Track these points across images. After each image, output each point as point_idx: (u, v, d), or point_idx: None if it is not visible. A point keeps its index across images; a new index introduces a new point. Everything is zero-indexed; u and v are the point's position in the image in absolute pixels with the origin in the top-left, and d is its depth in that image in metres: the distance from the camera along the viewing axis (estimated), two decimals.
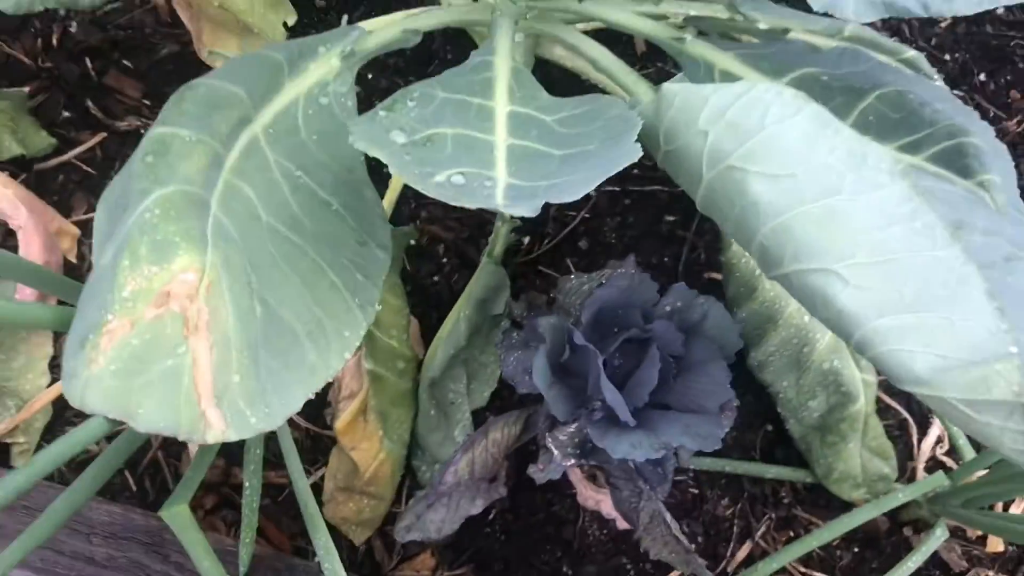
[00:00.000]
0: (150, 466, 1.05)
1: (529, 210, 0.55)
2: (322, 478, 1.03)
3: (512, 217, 0.95)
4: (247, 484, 0.82)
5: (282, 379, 0.61)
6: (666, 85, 0.65)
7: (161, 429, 0.55)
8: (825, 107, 0.58)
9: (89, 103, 1.19)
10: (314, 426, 1.06)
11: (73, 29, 1.20)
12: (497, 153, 0.65)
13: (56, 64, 1.19)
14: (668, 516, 0.80)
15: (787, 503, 1.09)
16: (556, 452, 0.75)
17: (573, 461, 0.75)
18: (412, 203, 1.17)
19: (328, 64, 0.75)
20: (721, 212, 0.63)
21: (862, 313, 0.56)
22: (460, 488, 0.85)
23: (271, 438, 1.05)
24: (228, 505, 1.05)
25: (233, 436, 0.57)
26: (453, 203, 0.55)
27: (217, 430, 0.57)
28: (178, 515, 0.73)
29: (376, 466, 0.98)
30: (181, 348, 0.56)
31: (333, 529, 1.02)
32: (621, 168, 0.59)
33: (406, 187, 1.07)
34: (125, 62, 1.21)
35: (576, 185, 0.58)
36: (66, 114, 1.18)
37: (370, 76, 1.22)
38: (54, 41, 1.20)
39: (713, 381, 0.75)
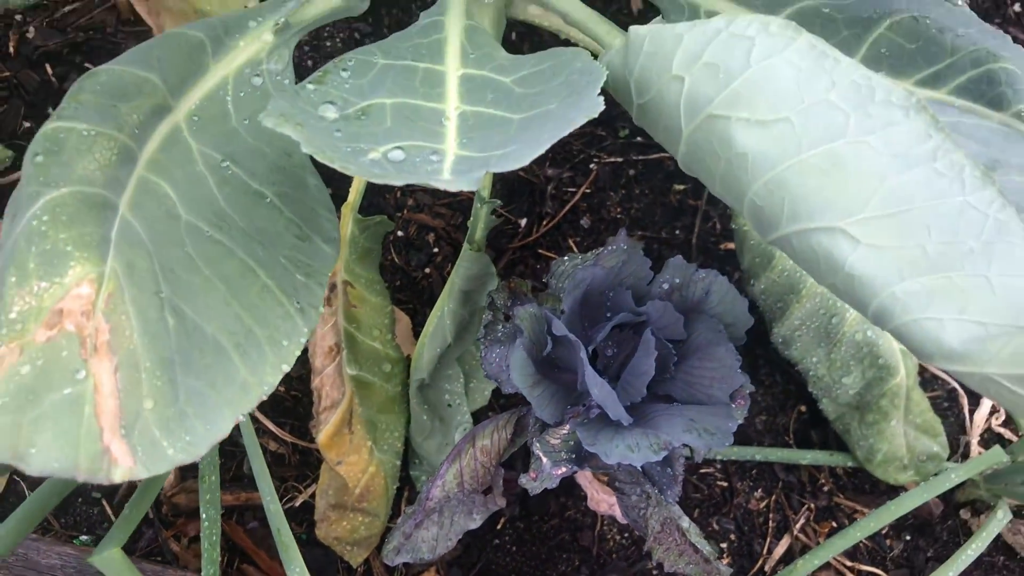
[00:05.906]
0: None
1: (470, 184, 0.47)
2: (313, 496, 0.95)
3: (492, 196, 0.86)
4: (203, 516, 0.75)
5: (206, 401, 0.53)
6: (634, 28, 0.56)
7: (56, 471, 0.47)
8: (828, 44, 0.49)
9: (51, 111, 1.11)
10: (301, 440, 0.98)
11: (31, 34, 1.13)
12: (447, 123, 0.56)
13: (14, 72, 1.12)
14: (685, 522, 0.71)
15: (827, 491, 0.99)
16: (545, 459, 0.66)
17: (566, 469, 0.66)
18: (397, 191, 1.08)
19: (260, 40, 0.67)
20: (706, 169, 0.53)
21: (878, 277, 0.46)
22: (451, 503, 0.77)
23: (245, 457, 0.98)
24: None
25: (144, 472, 0.49)
26: (389, 183, 0.47)
27: (124, 467, 0.49)
28: (111, 560, 0.64)
29: (367, 480, 0.90)
30: (80, 373, 0.49)
31: (328, 551, 0.94)
32: (578, 126, 0.50)
33: None
34: (88, 65, 1.14)
35: (526, 149, 0.49)
36: (27, 124, 1.11)
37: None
38: (11, 48, 1.13)
39: (721, 366, 0.66)
